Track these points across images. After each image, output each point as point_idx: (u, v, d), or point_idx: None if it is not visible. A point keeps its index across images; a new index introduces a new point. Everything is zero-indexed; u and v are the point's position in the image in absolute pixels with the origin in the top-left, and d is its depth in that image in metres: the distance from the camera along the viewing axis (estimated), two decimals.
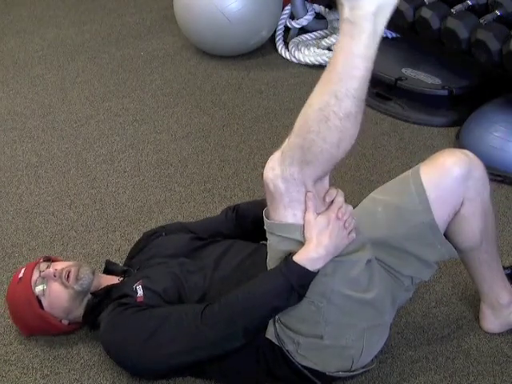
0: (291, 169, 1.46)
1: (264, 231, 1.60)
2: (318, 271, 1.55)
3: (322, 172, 1.48)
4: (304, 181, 1.47)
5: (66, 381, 1.84)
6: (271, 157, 1.50)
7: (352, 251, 1.59)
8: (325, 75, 1.42)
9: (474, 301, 2.00)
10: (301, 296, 1.58)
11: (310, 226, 1.52)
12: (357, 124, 1.42)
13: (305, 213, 1.51)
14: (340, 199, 1.56)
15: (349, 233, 1.57)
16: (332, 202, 1.55)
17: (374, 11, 1.38)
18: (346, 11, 1.39)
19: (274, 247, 1.60)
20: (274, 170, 1.48)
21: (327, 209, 1.54)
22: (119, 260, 2.15)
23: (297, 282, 1.55)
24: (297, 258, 1.55)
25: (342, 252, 1.57)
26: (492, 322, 1.89)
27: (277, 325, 1.65)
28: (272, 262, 1.62)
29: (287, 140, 1.48)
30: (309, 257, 1.54)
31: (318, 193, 1.52)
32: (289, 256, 1.56)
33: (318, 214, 1.52)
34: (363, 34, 1.38)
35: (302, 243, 1.55)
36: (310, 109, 1.43)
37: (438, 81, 2.90)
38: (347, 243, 1.57)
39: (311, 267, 1.54)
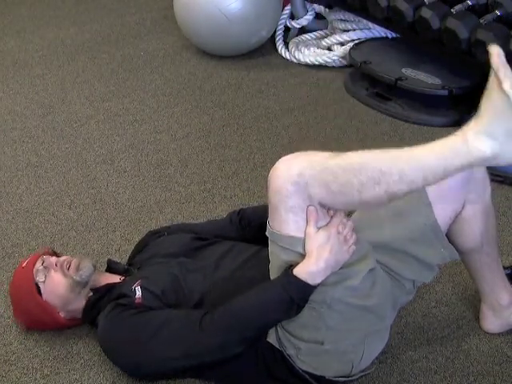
0: (308, 182, 1.42)
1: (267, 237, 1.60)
2: (319, 284, 1.55)
3: (331, 204, 1.47)
4: (313, 197, 1.44)
5: (65, 381, 1.84)
6: (289, 158, 1.46)
7: (354, 262, 1.58)
8: (408, 148, 1.38)
9: (474, 301, 2.00)
10: (300, 308, 1.58)
11: (311, 240, 1.51)
12: (389, 203, 1.43)
13: (306, 224, 1.49)
14: (341, 214, 1.55)
15: (349, 247, 1.56)
16: (333, 216, 1.53)
17: (490, 156, 1.30)
18: (469, 134, 1.31)
19: (276, 255, 1.59)
20: (290, 170, 1.44)
21: (328, 223, 1.53)
22: (119, 260, 2.15)
23: (297, 296, 1.55)
24: (297, 271, 1.54)
25: (343, 264, 1.56)
26: (492, 323, 1.89)
27: (279, 330, 1.65)
28: (273, 268, 1.62)
29: (322, 155, 1.44)
30: (309, 270, 1.53)
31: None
32: (289, 269, 1.56)
33: (319, 228, 1.51)
34: (464, 161, 1.32)
35: (303, 255, 1.54)
36: (372, 162, 1.40)
37: (438, 81, 2.90)
38: (348, 258, 1.56)
39: (311, 281, 1.54)
